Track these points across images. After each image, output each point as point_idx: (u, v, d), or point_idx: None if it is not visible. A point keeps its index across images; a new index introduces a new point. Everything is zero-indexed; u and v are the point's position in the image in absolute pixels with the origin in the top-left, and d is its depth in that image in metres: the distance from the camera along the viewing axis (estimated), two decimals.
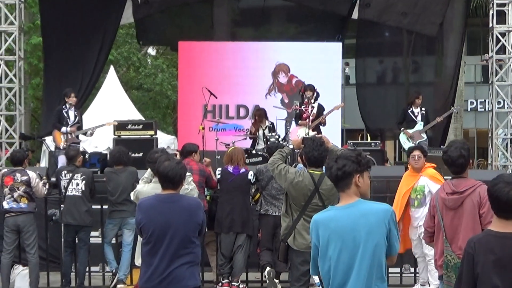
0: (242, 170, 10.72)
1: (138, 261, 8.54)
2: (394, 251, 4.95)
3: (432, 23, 18.14)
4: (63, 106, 14.23)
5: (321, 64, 19.15)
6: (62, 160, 13.37)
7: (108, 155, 12.49)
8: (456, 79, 18.62)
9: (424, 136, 14.92)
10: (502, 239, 4.49)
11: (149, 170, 8.71)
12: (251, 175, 10.70)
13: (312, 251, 4.97)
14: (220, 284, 10.64)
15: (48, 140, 15.67)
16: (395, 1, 18.32)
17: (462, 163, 6.58)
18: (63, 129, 13.96)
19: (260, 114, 15.31)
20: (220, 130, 15.30)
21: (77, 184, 10.81)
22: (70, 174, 10.85)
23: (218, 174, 10.82)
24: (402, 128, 15.02)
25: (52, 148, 14.82)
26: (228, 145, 14.40)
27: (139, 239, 8.57)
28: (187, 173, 7.15)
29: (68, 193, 10.81)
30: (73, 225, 10.84)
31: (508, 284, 4.43)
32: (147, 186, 8.43)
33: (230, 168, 10.72)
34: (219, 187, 10.92)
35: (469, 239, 4.79)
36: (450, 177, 6.85)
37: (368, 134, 33.79)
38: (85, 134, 14.54)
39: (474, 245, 4.56)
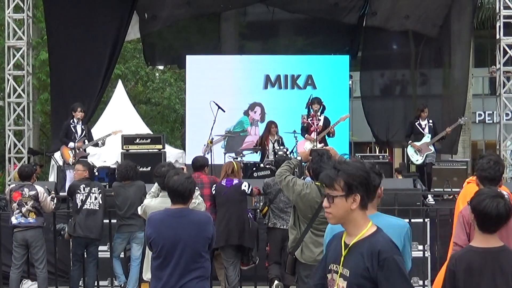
0: (235, 181, 10.60)
1: (146, 275, 8.53)
2: (407, 268, 4.95)
3: (433, 24, 18.27)
4: (71, 121, 14.27)
5: (328, 77, 19.23)
6: (70, 175, 13.41)
7: (116, 170, 12.51)
8: (465, 91, 18.68)
9: (432, 148, 14.87)
10: (483, 254, 4.52)
11: (156, 184, 8.69)
12: (245, 186, 10.52)
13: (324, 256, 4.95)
14: None
15: (57, 155, 15.71)
16: (400, 7, 18.42)
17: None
18: (71, 144, 14.00)
19: (273, 128, 15.31)
20: None
21: (95, 198, 10.81)
22: (88, 188, 10.84)
23: (213, 190, 10.60)
24: (410, 141, 15.00)
25: (61, 163, 14.85)
26: (236, 158, 14.44)
27: (147, 253, 8.57)
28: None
29: (86, 206, 10.78)
30: (89, 238, 10.81)
31: None
32: (154, 201, 8.41)
33: (224, 182, 10.60)
34: (215, 202, 10.64)
35: (451, 255, 4.83)
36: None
37: (376, 147, 33.82)
38: (96, 145, 14.56)
39: (456, 261, 4.58)
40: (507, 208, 4.51)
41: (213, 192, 10.60)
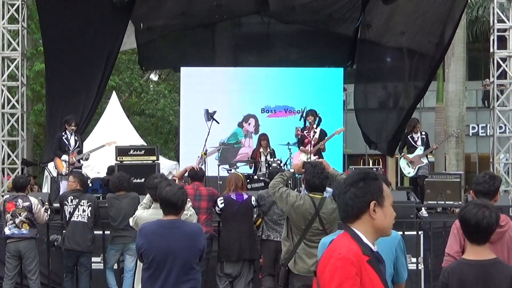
0: (245, 196, 10.57)
1: (137, 287, 8.51)
2: (402, 279, 4.93)
3: (429, 42, 18.20)
4: (63, 133, 14.26)
5: (322, 89, 19.27)
6: (64, 186, 13.39)
7: (109, 181, 12.49)
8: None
9: (424, 161, 14.86)
10: (475, 267, 4.51)
11: (148, 195, 8.67)
12: (253, 200, 10.57)
13: None
14: None
15: (50, 166, 15.66)
16: (395, 23, 18.39)
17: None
18: (64, 156, 13.98)
19: (265, 140, 15.32)
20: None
21: (84, 210, 10.77)
22: (77, 200, 10.80)
23: (221, 203, 10.51)
24: (403, 153, 15.03)
25: (54, 174, 14.82)
26: (230, 170, 14.41)
27: (139, 265, 8.55)
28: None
29: (74, 218, 10.75)
30: (76, 250, 10.81)
31: None
32: (146, 212, 8.38)
33: (233, 195, 10.54)
34: (222, 216, 10.65)
35: (444, 268, 4.81)
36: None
37: (369, 159, 33.87)
38: (81, 158, 14.54)
39: (448, 274, 4.57)
40: (489, 219, 4.48)
41: (222, 205, 10.49)
